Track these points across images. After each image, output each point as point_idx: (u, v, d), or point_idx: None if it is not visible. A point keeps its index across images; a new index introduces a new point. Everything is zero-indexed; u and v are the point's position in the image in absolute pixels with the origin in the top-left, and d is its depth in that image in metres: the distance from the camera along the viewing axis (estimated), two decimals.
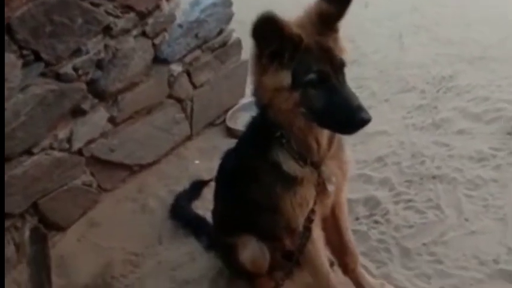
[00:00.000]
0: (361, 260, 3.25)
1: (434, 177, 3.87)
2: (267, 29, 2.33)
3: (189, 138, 4.66)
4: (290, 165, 2.66)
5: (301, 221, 2.77)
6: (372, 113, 4.35)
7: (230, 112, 4.75)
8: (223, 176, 3.18)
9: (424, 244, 3.39)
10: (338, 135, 2.74)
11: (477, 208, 3.57)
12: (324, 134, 2.64)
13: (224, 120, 4.77)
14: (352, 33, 5.39)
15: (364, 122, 2.40)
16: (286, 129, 2.59)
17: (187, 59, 4.41)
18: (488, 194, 3.65)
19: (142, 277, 3.66)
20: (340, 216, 3.06)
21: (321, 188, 2.74)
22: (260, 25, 2.31)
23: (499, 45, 5.07)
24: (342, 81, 2.43)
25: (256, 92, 2.57)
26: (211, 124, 4.79)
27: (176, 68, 4.34)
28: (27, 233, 3.24)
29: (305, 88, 2.40)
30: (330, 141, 2.70)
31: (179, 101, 4.47)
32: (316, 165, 2.68)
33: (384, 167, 4.07)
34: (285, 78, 2.40)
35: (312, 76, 2.38)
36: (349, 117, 2.39)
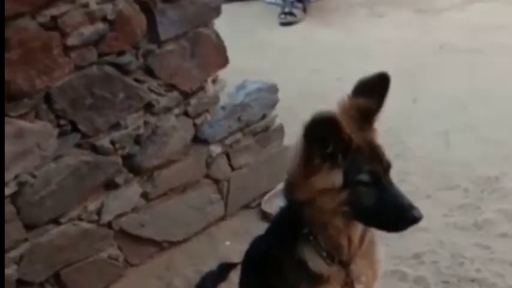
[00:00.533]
0: None
1: (473, 280, 3.71)
2: (326, 130, 2.27)
3: (222, 218, 4.61)
4: (316, 263, 2.55)
5: None
6: None
7: (267, 196, 4.68)
8: (248, 262, 3.09)
9: None
10: (370, 232, 2.64)
11: None
12: (357, 231, 2.54)
13: (260, 204, 4.70)
14: (397, 127, 5.38)
15: (416, 220, 2.35)
16: (317, 227, 2.50)
17: (228, 141, 4.41)
18: None
19: None
20: None
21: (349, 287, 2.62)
22: (318, 126, 2.27)
23: None
24: (390, 180, 2.39)
25: (295, 190, 2.47)
26: (247, 206, 4.73)
27: (215, 149, 4.34)
28: None
29: (354, 188, 2.34)
30: (362, 239, 2.60)
31: (216, 181, 4.45)
32: (345, 264, 2.57)
33: (420, 265, 3.93)
34: (337, 179, 2.33)
35: (363, 177, 2.33)
36: (401, 216, 2.34)
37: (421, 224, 4.11)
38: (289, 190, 2.53)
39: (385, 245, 3.92)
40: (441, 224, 4.30)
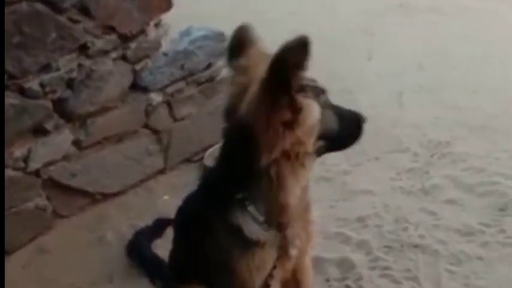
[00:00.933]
0: None
1: (416, 246, 3.64)
2: (303, 57, 2.09)
3: (161, 172, 4.44)
4: (252, 229, 2.38)
5: (257, 285, 2.49)
6: (359, 170, 4.36)
7: (210, 150, 4.51)
8: (179, 221, 2.90)
9: None
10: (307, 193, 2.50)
11: (457, 286, 3.33)
12: (298, 191, 2.36)
13: (202, 158, 4.54)
14: (351, 85, 5.32)
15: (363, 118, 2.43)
16: (252, 186, 2.31)
17: (170, 90, 4.22)
18: (471, 272, 3.41)
19: None
20: (303, 282, 2.79)
21: (283, 251, 2.47)
22: (298, 49, 2.08)
23: (503, 116, 4.88)
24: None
25: (255, 148, 2.22)
26: (188, 160, 4.56)
27: (156, 98, 4.14)
28: None
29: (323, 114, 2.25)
30: (302, 199, 2.45)
31: (155, 132, 4.26)
32: (282, 228, 2.42)
33: (363, 228, 3.83)
34: (316, 109, 2.23)
35: (324, 97, 2.30)
36: (358, 122, 2.41)
37: (368, 186, 4.17)
38: (244, 147, 2.26)
39: (330, 207, 3.95)
40: (387, 187, 4.22)
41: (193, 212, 2.71)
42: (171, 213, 3.78)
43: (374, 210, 3.98)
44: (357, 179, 4.32)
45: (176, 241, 3.02)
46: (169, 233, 3.65)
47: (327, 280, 3.44)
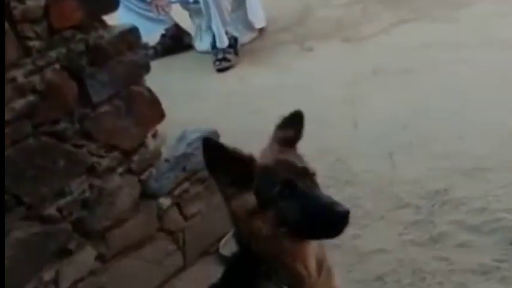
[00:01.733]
0: None
1: None
2: (215, 156, 2.42)
3: (182, 269, 4.55)
4: None
5: None
6: (368, 232, 4.50)
7: (223, 240, 4.65)
8: None
9: None
10: (327, 260, 2.67)
11: None
12: (312, 258, 2.56)
13: (218, 249, 4.67)
14: (343, 155, 5.50)
15: (342, 214, 2.32)
16: (272, 261, 2.51)
17: (177, 192, 4.39)
18: None
19: None
20: None
21: None
22: (207, 154, 2.43)
23: (493, 155, 5.05)
24: (311, 186, 2.41)
25: (235, 226, 2.56)
26: (206, 253, 4.68)
27: (165, 202, 4.31)
28: None
29: (276, 204, 2.37)
30: (320, 267, 2.61)
31: (170, 233, 4.40)
32: None
33: (383, 285, 3.95)
34: (249, 199, 2.39)
35: (277, 188, 2.37)
36: (328, 216, 2.32)
37: (379, 245, 4.34)
38: (235, 230, 2.58)
39: (347, 271, 4.06)
40: (398, 243, 4.34)
41: None
42: None
43: (390, 267, 4.10)
44: (368, 240, 4.44)
45: None
46: None
47: None
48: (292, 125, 2.64)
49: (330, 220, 2.31)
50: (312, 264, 2.56)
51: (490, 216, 4.30)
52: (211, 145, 2.45)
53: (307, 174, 2.44)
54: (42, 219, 3.62)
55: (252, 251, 2.52)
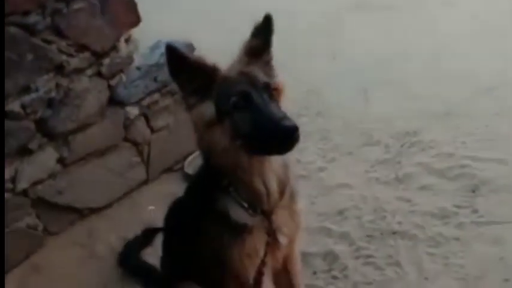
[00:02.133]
0: None
1: (395, 233, 3.77)
2: (178, 63, 2.37)
3: (144, 183, 4.51)
4: (238, 214, 2.53)
5: (250, 274, 2.61)
6: (334, 166, 4.48)
7: (189, 158, 4.60)
8: (168, 224, 3.06)
9: None
10: (291, 185, 2.63)
11: (438, 267, 3.46)
12: (271, 179, 2.53)
13: (183, 167, 4.62)
14: (317, 86, 5.44)
15: (290, 128, 2.27)
16: (232, 175, 2.49)
17: (145, 102, 4.30)
18: (450, 253, 3.54)
19: None
20: (292, 270, 2.91)
21: (272, 238, 2.59)
22: (170, 60, 2.37)
23: (465, 102, 5.03)
24: (267, 100, 2.36)
25: (196, 137, 2.49)
26: (169, 170, 4.64)
27: (133, 111, 4.22)
28: None
29: (232, 116, 2.34)
30: (282, 189, 2.58)
31: (135, 144, 4.33)
32: (267, 214, 2.55)
33: (344, 220, 3.96)
34: (208, 109, 2.37)
35: (233, 99, 2.34)
36: (276, 130, 2.28)
37: (344, 180, 4.31)
38: (197, 140, 2.52)
39: (310, 203, 4.05)
40: (364, 179, 4.35)
41: (182, 208, 2.89)
42: (157, 222, 3.92)
43: (352, 203, 4.11)
44: (333, 174, 4.44)
45: (166, 244, 3.15)
46: (158, 241, 3.77)
47: (314, 273, 3.55)
48: (262, 33, 2.56)
49: (277, 134, 2.27)
50: (272, 184, 2.53)
51: (455, 162, 4.31)
52: (174, 52, 2.38)
53: (267, 88, 2.40)
54: (6, 115, 3.51)
55: (213, 166, 2.50)
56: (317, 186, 4.32)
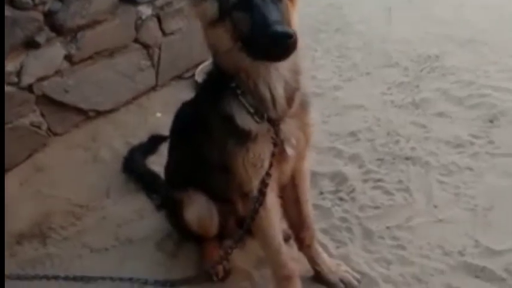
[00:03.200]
0: (320, 237, 3.04)
1: (407, 158, 3.68)
2: None
3: (153, 88, 4.41)
4: (244, 119, 2.42)
5: (255, 184, 2.52)
6: (350, 85, 4.36)
7: (201, 67, 4.45)
8: (175, 127, 2.96)
9: (388, 227, 3.17)
10: (301, 94, 2.49)
11: (448, 196, 3.37)
12: (277, 85, 2.40)
13: (193, 75, 4.48)
14: (339, 1, 5.23)
15: (278, 34, 2.13)
16: (239, 80, 2.38)
17: (159, 3, 4.14)
18: (461, 182, 3.45)
19: (82, 230, 3.42)
20: (300, 186, 2.80)
21: (279, 149, 2.48)
22: None
23: (491, 30, 4.88)
24: (268, 2, 2.22)
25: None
26: (179, 77, 4.53)
27: (145, 11, 4.06)
28: None
29: (231, 14, 2.22)
30: (290, 98, 2.45)
31: (146, 46, 4.20)
32: (274, 123, 2.43)
33: (356, 142, 3.87)
34: (211, 6, 2.24)
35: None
36: (265, 33, 2.15)
37: (359, 101, 4.18)
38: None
39: (322, 122, 3.95)
40: (379, 101, 4.24)
41: (189, 111, 2.80)
42: (163, 130, 3.83)
43: (366, 125, 4.01)
44: (349, 94, 4.33)
45: (172, 149, 3.07)
46: (163, 149, 3.69)
47: (321, 193, 3.48)
48: None
49: (267, 38, 2.14)
50: (279, 90, 2.41)
51: (475, 91, 4.19)
52: None
53: None
54: (13, 3, 3.37)
55: (220, 68, 2.41)
56: (331, 105, 4.22)
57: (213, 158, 2.59)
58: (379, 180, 3.53)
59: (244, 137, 2.43)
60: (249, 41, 2.21)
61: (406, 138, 3.84)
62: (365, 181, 3.54)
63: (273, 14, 2.17)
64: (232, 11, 2.21)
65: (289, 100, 2.45)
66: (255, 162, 2.48)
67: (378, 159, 3.70)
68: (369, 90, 4.36)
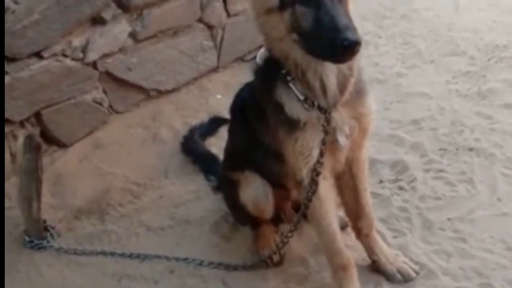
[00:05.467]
0: (378, 226, 2.97)
1: (471, 149, 3.57)
2: None
3: (214, 70, 4.41)
4: (293, 107, 2.40)
5: (306, 173, 2.49)
6: (414, 73, 4.26)
7: (262, 49, 4.40)
8: (234, 108, 2.95)
9: (449, 219, 3.09)
10: (357, 82, 2.43)
11: None
12: (329, 73, 2.34)
13: (255, 57, 4.43)
14: None
15: (350, 42, 2.08)
16: (290, 67, 2.35)
17: None
18: None
19: (140, 209, 3.45)
20: (357, 175, 2.74)
21: (330, 138, 2.43)
22: None
23: None
24: (336, 2, 2.16)
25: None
26: (241, 59, 4.52)
27: None
28: (20, 140, 3.03)
29: (293, 8, 2.18)
30: (343, 85, 2.39)
31: (209, 27, 4.21)
32: (325, 111, 2.38)
33: (418, 130, 3.78)
34: None
35: None
36: (335, 38, 2.09)
37: (423, 89, 4.08)
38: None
39: (384, 109, 3.87)
40: (444, 90, 4.13)
41: (246, 95, 2.79)
42: (223, 111, 3.83)
43: (429, 113, 3.92)
44: (412, 82, 4.23)
45: (231, 130, 3.07)
46: (223, 132, 3.69)
47: (380, 181, 3.41)
48: None
49: (336, 43, 2.08)
50: (330, 78, 2.35)
51: None
52: None
53: None
54: None
55: (270, 54, 2.41)
56: (393, 93, 4.13)
57: (266, 143, 2.58)
58: (441, 170, 3.44)
59: (293, 126, 2.41)
60: (308, 37, 2.19)
61: (471, 129, 3.73)
62: (426, 171, 3.45)
63: (342, 18, 2.13)
64: (296, 3, 2.17)
65: (342, 88, 2.39)
66: (303, 151, 2.45)
67: (441, 149, 3.60)
68: (433, 78, 4.25)
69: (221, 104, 4.09)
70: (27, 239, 3.20)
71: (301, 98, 2.37)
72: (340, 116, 2.43)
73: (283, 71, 2.37)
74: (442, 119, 3.85)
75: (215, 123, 3.87)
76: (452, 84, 4.19)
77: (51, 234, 3.26)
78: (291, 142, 2.44)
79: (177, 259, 3.02)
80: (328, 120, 2.39)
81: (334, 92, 2.38)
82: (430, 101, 4.03)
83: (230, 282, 2.90)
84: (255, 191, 2.86)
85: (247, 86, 2.84)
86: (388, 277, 2.78)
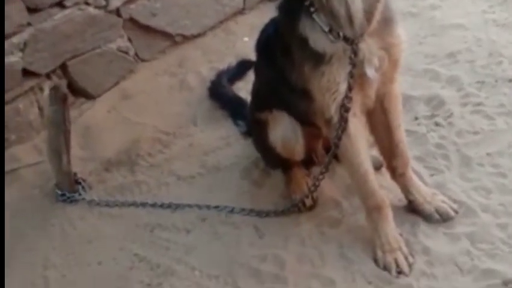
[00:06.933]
0: (414, 165, 2.89)
1: (510, 80, 3.42)
2: None
3: (241, 12, 4.33)
4: (317, 40, 2.30)
5: (334, 110, 2.42)
6: (448, 4, 4.09)
7: None
8: (259, 45, 2.86)
9: (488, 154, 2.98)
10: (385, 9, 2.32)
11: None
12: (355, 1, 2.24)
13: None
14: None
15: None
16: None
17: None
18: None
19: (170, 158, 3.44)
20: (390, 111, 2.64)
21: (358, 71, 2.34)
22: None
23: None
24: None
25: None
26: None
27: None
28: (46, 92, 3.02)
29: None
30: (370, 13, 2.28)
31: None
32: (352, 42, 2.28)
33: (454, 64, 3.64)
34: None
35: None
36: None
37: (459, 20, 3.89)
38: None
39: (418, 43, 3.74)
40: (480, 20, 3.96)
41: (271, 30, 2.69)
42: (251, 55, 3.73)
43: (465, 45, 3.76)
44: (447, 13, 4.07)
45: (257, 69, 3.02)
46: (251, 75, 3.60)
47: (416, 118, 3.31)
48: None
49: None
50: (356, 5, 2.24)
51: None
52: None
53: None
54: None
55: None
56: (427, 26, 3.98)
57: (293, 81, 2.50)
58: (479, 104, 3.32)
59: (319, 60, 2.32)
60: None
61: (509, 59, 3.57)
62: (464, 105, 3.34)
63: None
64: None
65: (369, 16, 2.28)
66: (330, 86, 2.37)
67: (478, 82, 3.48)
68: (468, 9, 4.08)
69: (248, 46, 3.91)
70: (59, 192, 3.21)
71: (326, 29, 2.27)
72: (368, 47, 2.34)
73: (307, 2, 2.27)
74: (479, 51, 3.70)
75: (243, 66, 3.79)
76: (489, 14, 4.01)
77: (83, 187, 3.27)
78: (317, 77, 2.36)
79: (208, 207, 3.00)
80: (355, 52, 2.30)
81: (361, 20, 2.28)
82: (466, 33, 3.86)
83: (262, 228, 2.87)
84: (283, 131, 2.79)
85: (272, 22, 2.73)
86: (426, 217, 2.71)
